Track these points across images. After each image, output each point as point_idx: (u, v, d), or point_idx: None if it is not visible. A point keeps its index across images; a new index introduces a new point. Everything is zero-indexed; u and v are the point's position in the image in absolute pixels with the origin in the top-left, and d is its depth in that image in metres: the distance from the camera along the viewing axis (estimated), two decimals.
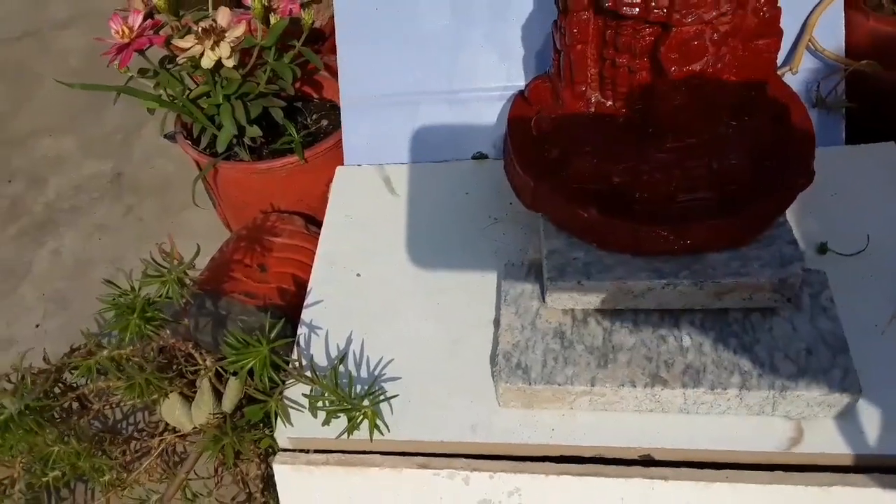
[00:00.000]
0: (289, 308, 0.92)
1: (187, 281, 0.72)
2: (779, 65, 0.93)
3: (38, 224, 1.37)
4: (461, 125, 1.01)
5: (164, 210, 1.33)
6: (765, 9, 0.66)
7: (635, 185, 0.70)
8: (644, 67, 0.67)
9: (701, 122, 0.68)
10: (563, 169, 0.74)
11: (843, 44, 0.93)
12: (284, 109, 1.12)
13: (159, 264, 0.69)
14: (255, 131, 1.06)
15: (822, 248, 0.81)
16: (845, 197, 0.85)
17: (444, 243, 0.89)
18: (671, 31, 0.62)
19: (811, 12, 0.92)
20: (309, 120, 1.19)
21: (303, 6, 1.03)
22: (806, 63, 0.94)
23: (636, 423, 0.71)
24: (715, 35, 0.63)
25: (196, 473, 0.86)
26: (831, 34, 0.93)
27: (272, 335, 0.72)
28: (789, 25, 0.93)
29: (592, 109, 0.74)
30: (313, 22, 1.01)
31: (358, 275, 0.88)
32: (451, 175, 0.97)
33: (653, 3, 0.62)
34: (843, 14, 0.93)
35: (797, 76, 0.94)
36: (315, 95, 1.23)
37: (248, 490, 0.83)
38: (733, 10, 0.63)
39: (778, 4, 0.67)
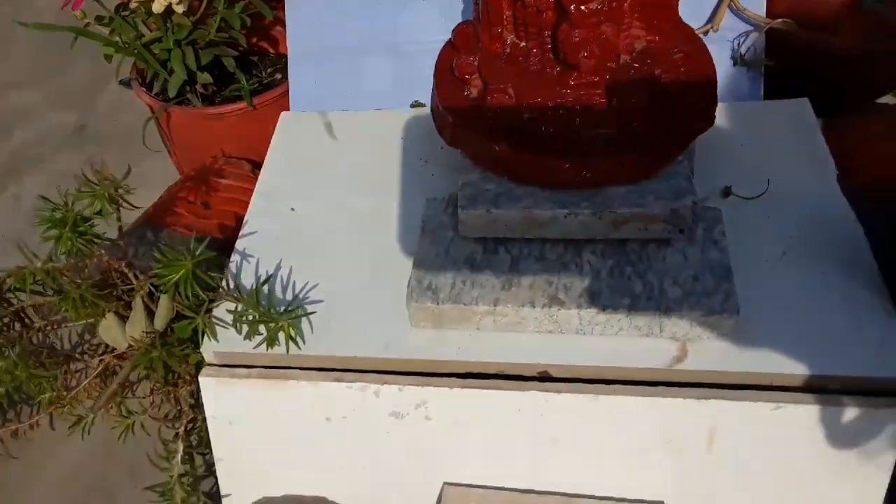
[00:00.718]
0: (227, 242, 0.96)
1: (120, 200, 0.76)
2: (703, 23, 0.98)
3: (1, 171, 1.41)
4: (402, 76, 1.06)
5: (125, 159, 1.37)
6: None
7: (543, 120, 0.75)
8: (549, 7, 0.72)
9: (601, 61, 0.73)
10: (479, 107, 0.79)
11: (765, 4, 0.98)
12: (240, 62, 1.16)
13: (91, 181, 0.73)
14: (205, 78, 1.10)
15: (727, 192, 0.86)
16: (754, 147, 0.90)
17: (376, 183, 0.94)
18: None
19: None
20: (264, 73, 1.23)
21: None
22: (729, 22, 0.99)
23: (536, 343, 0.76)
24: None
25: (133, 393, 0.90)
26: None
27: (197, 252, 0.76)
28: None
29: (508, 50, 0.78)
30: None
31: (292, 209, 0.93)
32: (389, 122, 1.01)
33: None
34: None
35: (721, 34, 0.99)
36: (271, 50, 1.27)
37: (179, 407, 0.87)
38: None
39: None
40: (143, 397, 0.92)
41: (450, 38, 0.88)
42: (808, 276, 0.77)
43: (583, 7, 0.69)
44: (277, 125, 1.04)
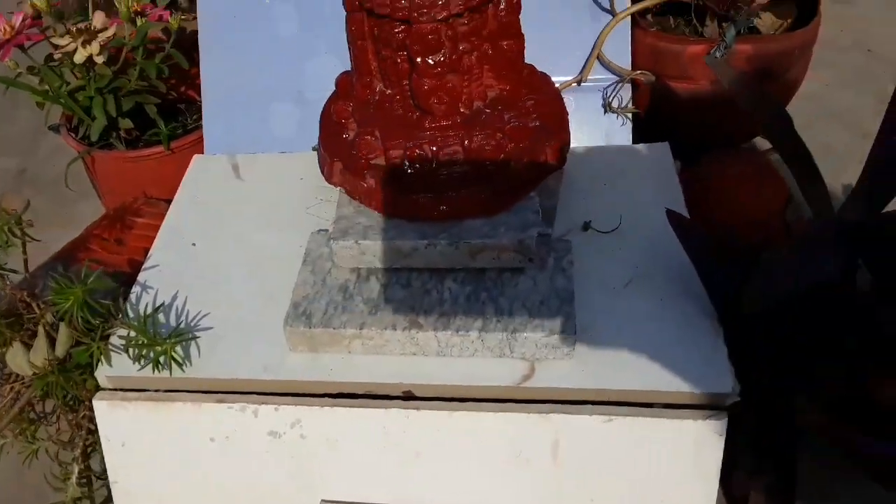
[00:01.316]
0: (135, 276, 1.03)
1: (19, 233, 0.82)
2: (575, 75, 1.08)
3: None
4: (306, 122, 1.14)
5: (60, 202, 1.44)
6: (502, 14, 0.80)
7: (404, 159, 0.83)
8: (404, 59, 0.80)
9: (451, 107, 0.81)
10: (352, 147, 0.87)
11: (630, 58, 1.07)
12: (167, 109, 1.24)
13: None
14: (126, 123, 1.18)
15: (586, 226, 0.93)
16: (616, 186, 0.99)
17: (274, 220, 1.01)
18: (412, 27, 0.76)
19: (602, 31, 1.07)
20: (189, 119, 1.31)
21: (173, 13, 1.16)
22: (600, 74, 1.08)
23: (401, 364, 0.83)
24: (449, 31, 0.76)
25: (45, 420, 0.96)
26: (622, 50, 1.08)
27: (88, 281, 0.82)
28: (586, 41, 1.08)
29: (377, 97, 0.87)
30: (180, 27, 1.14)
31: (193, 244, 1.00)
32: (291, 164, 1.09)
33: (398, 4, 0.75)
34: (630, 32, 1.07)
35: (590, 85, 1.08)
36: (199, 99, 1.35)
37: (79, 431, 0.93)
38: (469, 14, 0.77)
39: (516, 11, 0.81)
40: (49, 424, 0.98)
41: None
42: (648, 302, 0.85)
43: (428, 59, 0.77)
44: (189, 167, 1.11)
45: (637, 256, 0.89)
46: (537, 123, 0.87)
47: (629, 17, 1.06)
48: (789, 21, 1.08)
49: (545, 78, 0.92)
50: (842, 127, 1.46)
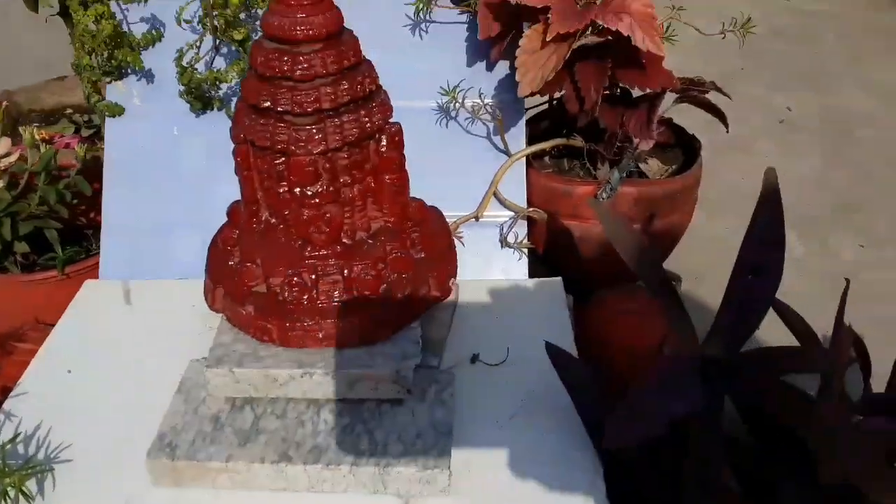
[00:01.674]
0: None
1: None
2: (473, 211, 1.11)
3: None
4: (206, 246, 1.13)
5: None
6: (384, 150, 0.83)
7: (284, 287, 0.83)
8: (285, 189, 0.82)
9: (331, 237, 0.82)
10: (235, 275, 0.86)
11: (525, 196, 1.11)
12: (74, 234, 1.23)
13: None
14: (21, 247, 1.16)
15: (474, 359, 0.93)
16: (508, 319, 0.99)
17: (158, 348, 0.98)
18: (290, 159, 0.78)
19: (498, 170, 1.11)
20: (94, 245, 1.30)
21: (83, 142, 1.18)
22: (497, 211, 1.12)
23: (270, 501, 0.78)
24: (327, 164, 0.78)
25: None
26: (518, 188, 1.12)
27: None
28: (484, 179, 1.12)
29: (262, 226, 0.87)
30: (85, 154, 1.15)
31: (69, 371, 0.96)
32: (186, 290, 1.07)
33: (276, 137, 0.77)
34: (525, 172, 1.12)
35: (489, 221, 1.11)
36: None
37: None
38: (349, 149, 0.80)
39: (399, 147, 0.84)
40: None
41: None
42: (530, 436, 0.83)
43: (306, 190, 0.79)
44: (79, 292, 1.09)
45: (523, 390, 0.89)
46: (422, 255, 0.88)
47: (524, 158, 1.11)
48: (674, 167, 1.14)
49: (434, 211, 0.94)
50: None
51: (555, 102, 1.20)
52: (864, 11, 2.82)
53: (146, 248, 1.14)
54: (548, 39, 0.92)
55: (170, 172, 1.16)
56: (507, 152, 1.11)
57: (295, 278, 0.82)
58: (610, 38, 0.97)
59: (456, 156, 1.13)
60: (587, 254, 1.10)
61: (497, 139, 1.12)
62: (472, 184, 1.12)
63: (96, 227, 1.33)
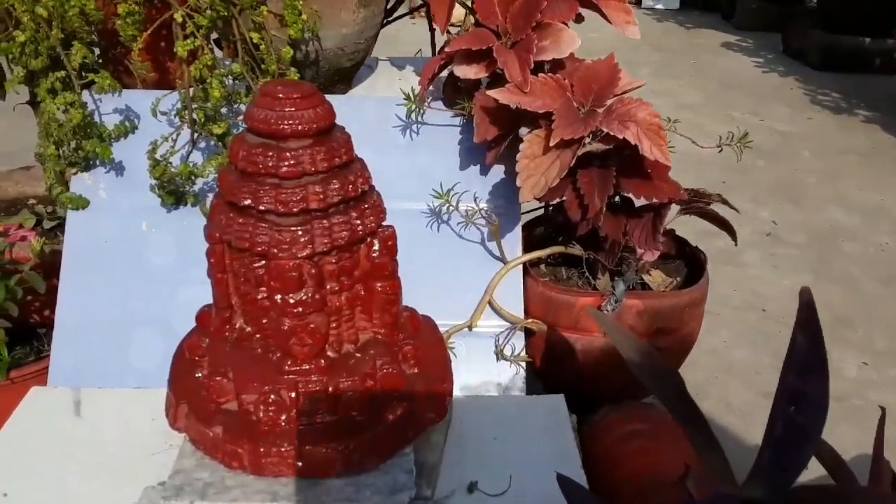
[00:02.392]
0: None
1: None
2: (466, 320, 1.03)
3: None
4: (169, 353, 1.03)
5: None
6: (375, 256, 0.75)
7: (259, 406, 0.73)
8: (264, 295, 0.73)
9: (315, 349, 0.73)
10: (201, 389, 0.76)
11: (523, 305, 1.04)
12: (25, 334, 1.12)
13: None
14: None
15: (471, 488, 0.82)
16: (507, 441, 0.90)
17: (110, 467, 0.86)
18: (271, 263, 0.70)
19: (493, 278, 1.04)
20: (46, 346, 1.19)
21: (40, 234, 1.08)
22: (492, 320, 1.04)
23: None
24: (313, 270, 0.70)
25: None
26: (515, 297, 1.04)
27: None
28: (477, 287, 1.05)
29: (235, 335, 0.78)
30: (42, 248, 1.06)
31: (4, 495, 0.83)
32: (145, 402, 0.96)
33: (257, 239, 0.70)
34: (522, 280, 1.05)
35: (481, 331, 1.03)
36: None
37: None
38: (338, 253, 0.72)
39: (392, 253, 0.76)
40: None
41: None
42: None
43: (288, 297, 0.70)
44: (23, 401, 0.97)
45: None
46: (415, 371, 0.79)
47: (521, 265, 1.04)
48: (678, 279, 1.08)
49: (427, 321, 0.86)
50: (742, 386, 1.45)
51: (551, 208, 1.14)
52: (836, 133, 2.89)
53: (102, 352, 1.04)
54: (551, 145, 0.86)
55: (134, 270, 1.06)
56: (502, 259, 1.04)
57: (272, 395, 0.72)
58: (613, 145, 0.92)
59: (448, 261, 1.06)
60: (589, 368, 1.01)
61: (492, 244, 1.05)
62: (465, 291, 1.04)
63: (50, 325, 1.22)
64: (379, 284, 0.76)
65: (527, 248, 1.07)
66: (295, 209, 0.69)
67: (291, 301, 0.70)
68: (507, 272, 1.03)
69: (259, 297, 0.73)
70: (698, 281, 1.03)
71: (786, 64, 3.87)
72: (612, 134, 0.88)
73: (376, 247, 0.75)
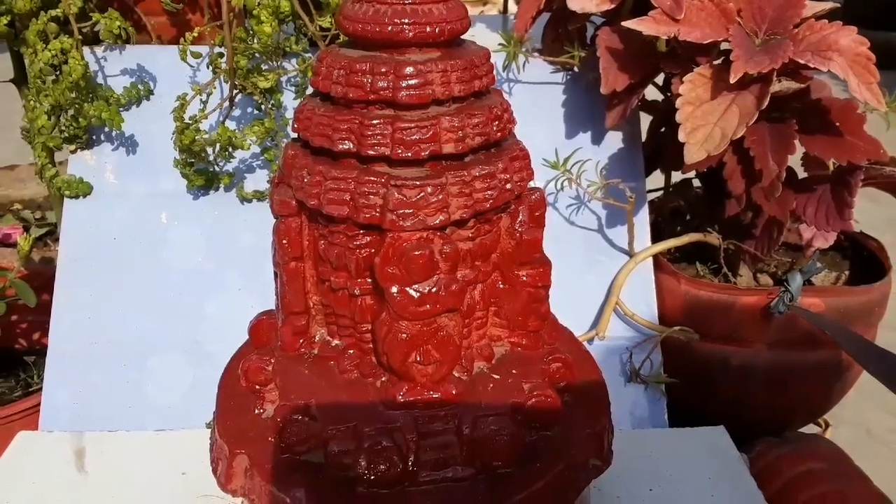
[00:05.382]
0: None
1: None
2: (587, 329, 0.79)
3: None
4: (200, 383, 0.79)
5: None
6: (521, 230, 0.52)
7: (358, 454, 0.49)
8: (367, 290, 0.49)
9: (442, 368, 0.49)
10: (272, 433, 0.52)
11: (656, 308, 0.80)
12: (9, 362, 0.89)
13: None
14: None
15: None
16: (666, 491, 0.66)
17: None
18: (388, 237, 0.46)
19: (617, 274, 0.80)
20: (36, 377, 0.94)
21: (27, 235, 0.84)
22: (619, 331, 0.80)
23: None
24: (446, 247, 0.46)
25: None
26: (643, 298, 0.81)
27: None
28: (595, 288, 0.81)
29: (315, 351, 0.54)
30: (31, 250, 0.81)
31: None
32: (170, 449, 0.73)
33: (364, 201, 0.46)
34: (654, 277, 0.82)
35: (609, 343, 0.79)
36: None
37: None
38: (475, 223, 0.48)
39: (540, 225, 0.53)
40: None
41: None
42: None
43: (411, 290, 0.46)
44: (7, 449, 0.73)
45: None
46: (567, 398, 0.55)
47: (651, 258, 0.81)
48: (846, 273, 0.85)
49: (568, 333, 0.62)
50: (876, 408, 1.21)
51: (671, 188, 0.92)
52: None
53: (109, 383, 0.80)
54: (732, 81, 0.63)
55: (151, 276, 0.83)
56: (629, 250, 0.81)
57: (381, 440, 0.48)
58: (794, 91, 0.70)
59: (556, 253, 0.82)
60: (747, 390, 0.78)
61: (612, 232, 0.82)
62: (580, 291, 0.81)
63: (40, 352, 0.98)
64: (524, 272, 0.53)
65: None
66: (423, 153, 0.45)
67: (416, 295, 0.46)
68: (636, 266, 0.80)
69: (358, 292, 0.49)
70: (884, 277, 0.80)
71: None
72: (800, 70, 0.65)
73: (522, 217, 0.52)
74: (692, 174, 0.86)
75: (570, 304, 0.80)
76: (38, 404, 0.82)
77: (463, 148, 0.47)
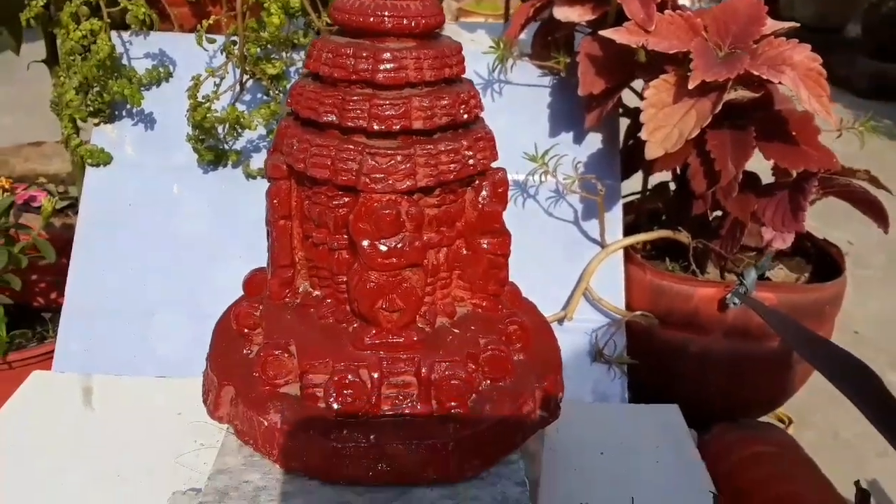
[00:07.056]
0: None
1: None
2: (557, 310, 0.86)
3: None
4: (202, 339, 0.86)
5: None
6: (484, 203, 0.59)
7: (329, 388, 0.56)
8: (343, 245, 0.56)
9: (406, 317, 0.56)
10: (255, 367, 0.59)
11: (624, 296, 0.87)
12: (28, 315, 0.96)
13: None
14: None
15: None
16: (616, 457, 0.72)
17: (125, 471, 0.69)
18: (361, 198, 0.53)
19: (589, 262, 0.87)
20: (51, 331, 1.02)
21: (50, 197, 0.92)
22: (587, 314, 0.87)
23: None
24: (412, 209, 0.53)
25: None
26: (612, 286, 0.88)
27: None
28: (568, 274, 0.88)
29: (299, 300, 0.61)
30: (53, 209, 0.89)
31: None
32: (169, 392, 0.80)
33: (342, 165, 0.53)
34: (623, 268, 0.88)
35: (578, 326, 0.86)
36: None
37: None
38: (441, 192, 0.56)
39: (502, 201, 0.60)
40: None
41: None
42: None
43: (379, 244, 0.53)
44: (22, 385, 0.80)
45: None
46: (522, 357, 0.62)
47: (622, 250, 0.88)
48: (806, 275, 0.91)
49: (531, 305, 0.69)
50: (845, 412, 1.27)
51: (649, 189, 0.98)
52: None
53: (118, 335, 0.88)
54: (691, 87, 0.70)
55: (161, 241, 0.90)
56: (600, 241, 0.88)
57: (348, 376, 0.55)
58: (749, 100, 0.76)
59: (534, 242, 0.89)
60: (703, 376, 0.84)
61: (587, 224, 0.89)
62: (554, 278, 0.88)
63: (56, 310, 1.06)
64: (486, 241, 0.60)
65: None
66: (395, 127, 0.53)
67: (383, 249, 0.53)
68: (607, 257, 0.87)
69: (336, 246, 0.56)
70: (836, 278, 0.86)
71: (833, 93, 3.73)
72: (760, 81, 0.72)
73: (485, 192, 0.59)
74: (668, 177, 0.92)
75: (545, 288, 0.88)
76: (52, 351, 0.90)
77: (431, 125, 0.54)
